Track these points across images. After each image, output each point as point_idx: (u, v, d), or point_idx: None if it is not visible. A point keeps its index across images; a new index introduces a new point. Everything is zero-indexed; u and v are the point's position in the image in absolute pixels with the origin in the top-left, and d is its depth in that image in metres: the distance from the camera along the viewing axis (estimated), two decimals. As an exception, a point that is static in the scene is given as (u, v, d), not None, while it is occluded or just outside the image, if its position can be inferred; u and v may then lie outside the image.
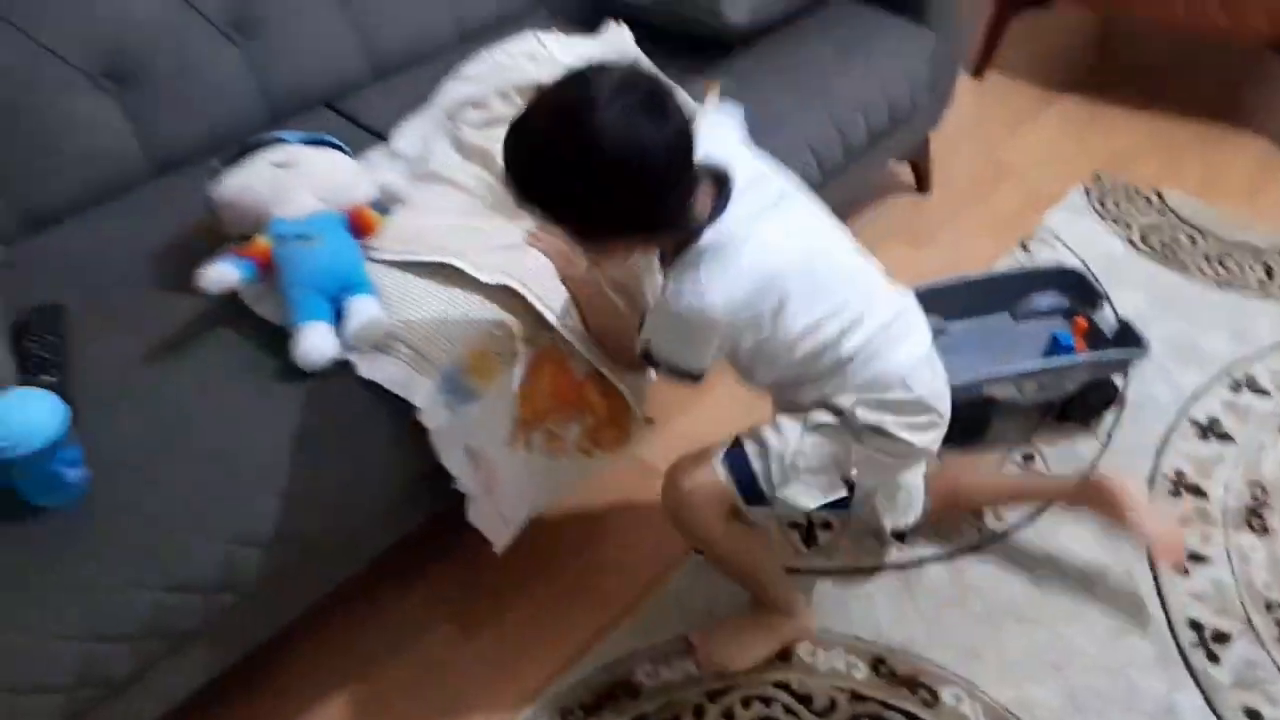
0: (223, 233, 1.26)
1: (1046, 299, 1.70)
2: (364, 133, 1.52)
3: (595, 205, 0.96)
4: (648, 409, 1.40)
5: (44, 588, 0.95)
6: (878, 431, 1.14)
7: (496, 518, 1.29)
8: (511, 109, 1.42)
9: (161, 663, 1.06)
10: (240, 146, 1.26)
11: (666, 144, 0.93)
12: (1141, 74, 2.55)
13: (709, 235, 1.03)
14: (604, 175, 0.93)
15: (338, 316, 1.15)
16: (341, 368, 1.14)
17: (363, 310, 1.14)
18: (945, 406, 1.20)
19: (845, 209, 2.02)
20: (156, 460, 1.05)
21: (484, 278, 1.21)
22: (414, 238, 1.25)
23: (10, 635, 0.92)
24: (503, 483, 1.28)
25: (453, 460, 1.21)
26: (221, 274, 1.13)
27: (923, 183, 2.15)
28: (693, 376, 1.12)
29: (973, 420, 1.56)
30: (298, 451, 1.09)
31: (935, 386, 1.19)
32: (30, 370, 1.10)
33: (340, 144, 1.32)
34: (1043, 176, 2.19)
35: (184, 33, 1.43)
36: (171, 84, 1.43)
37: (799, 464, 1.15)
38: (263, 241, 1.16)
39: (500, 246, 1.25)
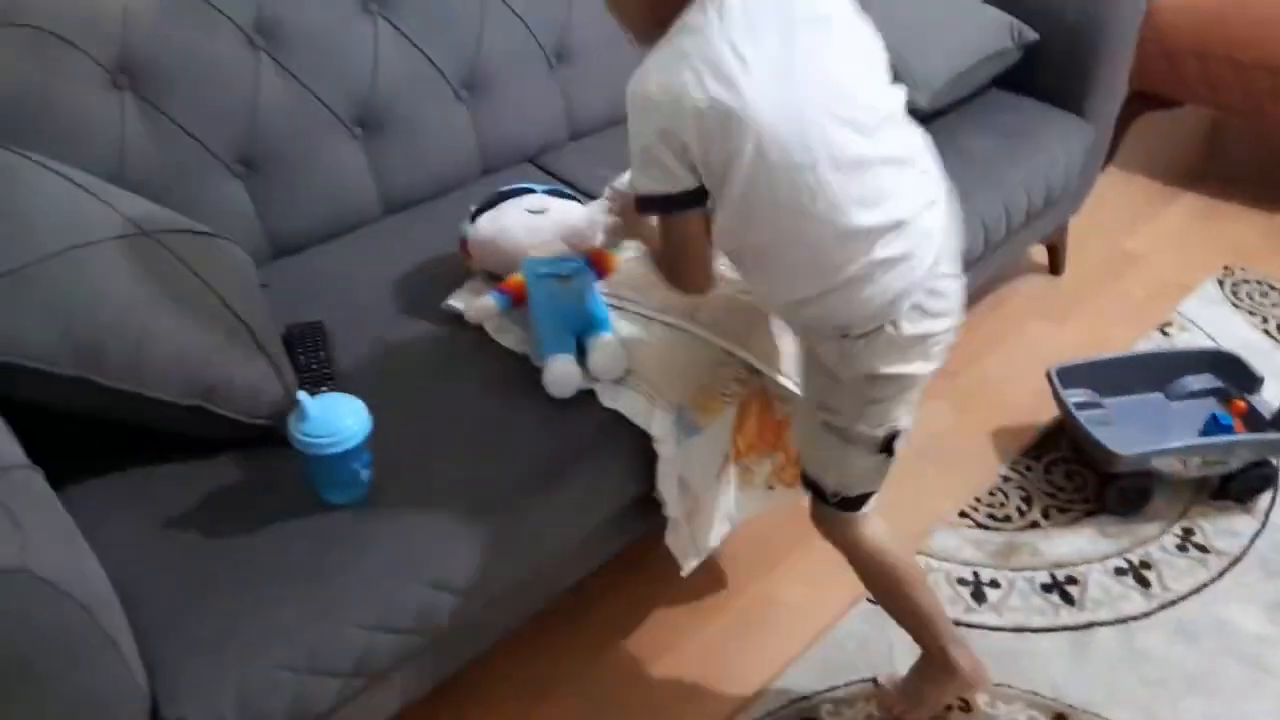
0: (469, 268, 1.37)
1: (1200, 380, 1.76)
2: (563, 186, 1.65)
3: None
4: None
5: (342, 579, 1.03)
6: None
7: (689, 543, 1.37)
8: None
9: (410, 662, 1.13)
10: (494, 195, 1.38)
11: None
12: (1259, 171, 2.64)
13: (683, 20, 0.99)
14: None
15: (579, 350, 1.25)
16: (579, 396, 1.23)
17: (607, 346, 1.24)
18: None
19: (987, 284, 2.12)
20: (421, 467, 1.14)
21: (703, 334, 1.30)
22: (647, 286, 1.35)
23: (312, 623, 1.00)
24: (703, 512, 1.36)
25: (668, 488, 1.29)
26: (486, 305, 1.24)
27: (1057, 265, 2.24)
28: (670, 202, 1.04)
29: (1135, 491, 1.62)
30: (544, 471, 1.18)
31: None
32: (306, 380, 1.20)
33: (575, 194, 1.43)
34: (1171, 266, 2.27)
35: (424, 89, 1.56)
36: (408, 133, 1.56)
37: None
38: (518, 278, 1.27)
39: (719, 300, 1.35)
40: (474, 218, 1.36)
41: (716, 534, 1.39)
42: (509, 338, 1.30)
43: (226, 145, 1.39)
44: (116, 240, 1.06)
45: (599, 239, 1.35)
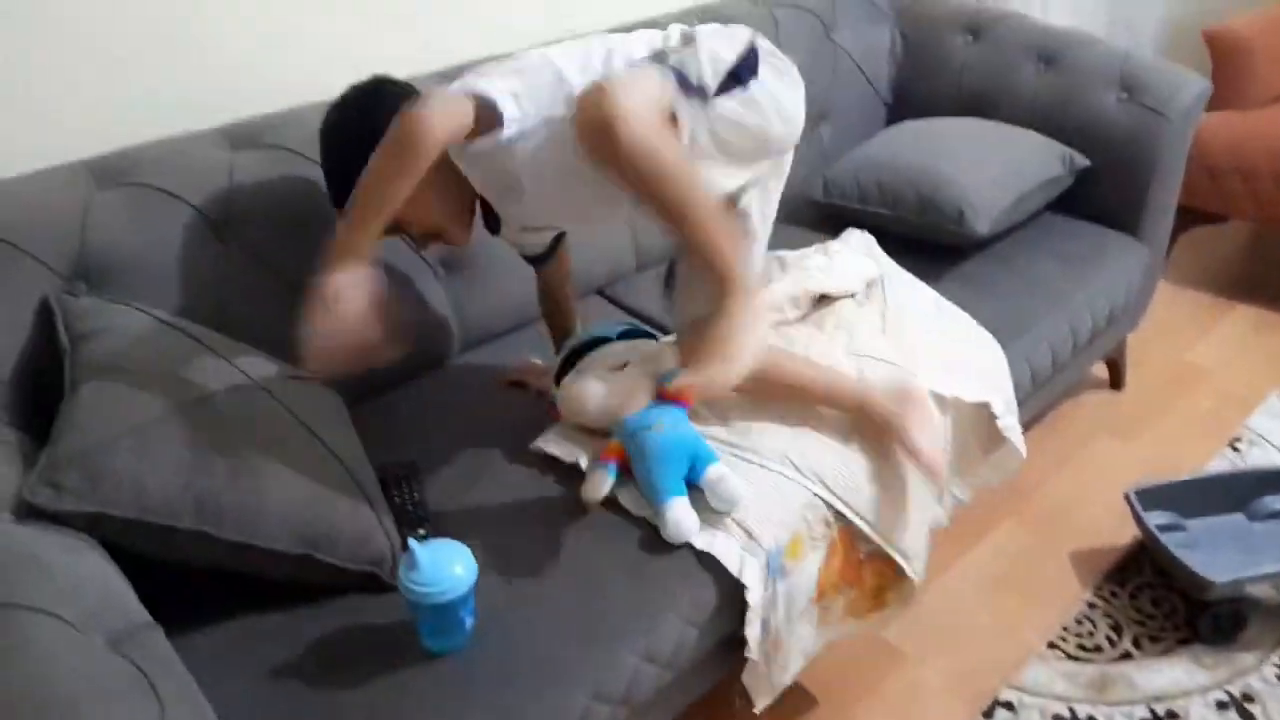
0: (561, 420, 1.39)
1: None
2: (632, 316, 1.69)
3: None
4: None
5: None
6: None
7: (765, 682, 1.33)
8: (797, 313, 1.57)
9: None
10: (569, 352, 1.40)
11: None
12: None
13: None
14: None
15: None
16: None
17: (722, 479, 1.24)
18: None
19: (1049, 403, 2.12)
20: (517, 613, 1.13)
21: (799, 479, 1.31)
22: (743, 429, 1.36)
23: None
24: (783, 651, 1.33)
25: (754, 631, 1.27)
26: (601, 483, 1.24)
27: (1118, 379, 2.24)
28: None
29: (1230, 618, 1.57)
30: (638, 615, 1.16)
31: None
32: (403, 523, 1.21)
33: (648, 330, 1.46)
34: (1233, 378, 2.26)
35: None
36: (486, 272, 1.61)
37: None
38: (616, 443, 1.28)
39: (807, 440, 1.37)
40: (558, 381, 1.38)
41: (793, 671, 1.36)
42: (626, 499, 1.29)
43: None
44: (228, 392, 1.09)
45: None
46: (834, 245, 1.70)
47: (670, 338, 1.45)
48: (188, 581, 1.09)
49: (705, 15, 1.98)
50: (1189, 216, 2.56)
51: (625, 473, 1.28)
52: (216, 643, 1.05)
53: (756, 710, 1.33)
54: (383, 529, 1.13)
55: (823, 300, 1.59)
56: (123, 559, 0.98)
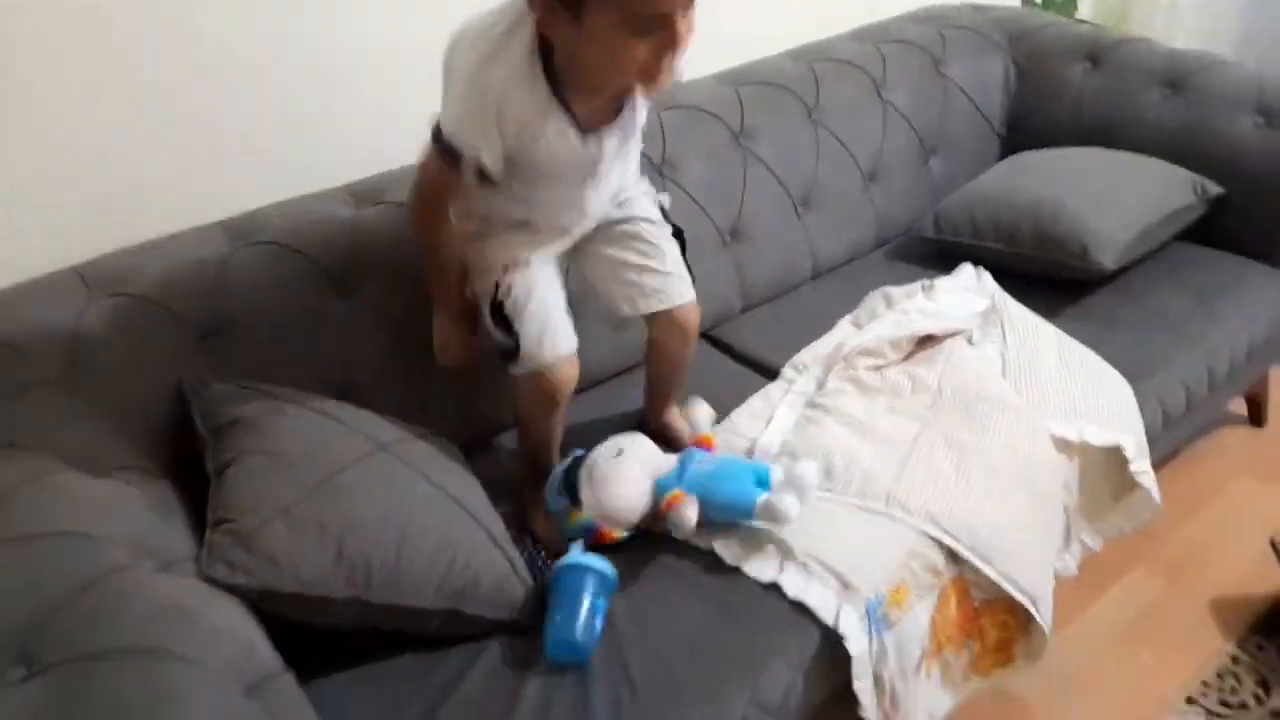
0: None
1: None
2: (739, 363, 1.68)
3: None
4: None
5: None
6: None
7: (890, 745, 1.29)
8: (899, 356, 1.53)
9: None
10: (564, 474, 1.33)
11: None
12: None
13: None
14: None
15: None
16: (770, 589, 1.21)
17: (789, 468, 1.26)
18: None
19: (1183, 442, 2.01)
20: (619, 657, 1.13)
21: (904, 518, 1.27)
22: (844, 468, 1.34)
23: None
24: (901, 712, 1.28)
25: (864, 687, 1.23)
26: (687, 514, 1.21)
27: (1259, 416, 2.10)
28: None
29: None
30: (742, 663, 1.15)
31: None
32: (533, 570, 1.22)
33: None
34: (1389, 416, 2.10)
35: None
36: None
37: None
38: (676, 492, 1.24)
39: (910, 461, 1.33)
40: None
41: (917, 731, 1.31)
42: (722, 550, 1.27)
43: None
44: (365, 459, 1.13)
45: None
46: (942, 282, 1.66)
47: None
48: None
49: (809, 54, 1.98)
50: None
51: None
52: (344, 683, 1.09)
53: None
54: (516, 575, 1.15)
55: (927, 341, 1.55)
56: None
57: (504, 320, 1.27)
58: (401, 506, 1.11)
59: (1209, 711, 1.50)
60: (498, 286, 1.27)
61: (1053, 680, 1.58)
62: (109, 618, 0.84)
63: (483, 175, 1.16)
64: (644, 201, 1.39)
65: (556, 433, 1.37)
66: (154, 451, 1.19)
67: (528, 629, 1.15)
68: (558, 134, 1.16)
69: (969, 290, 1.66)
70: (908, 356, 1.54)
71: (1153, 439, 1.58)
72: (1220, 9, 2.78)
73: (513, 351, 1.28)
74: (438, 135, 1.15)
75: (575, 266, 1.41)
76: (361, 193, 1.47)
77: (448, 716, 1.06)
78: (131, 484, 1.08)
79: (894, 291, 1.64)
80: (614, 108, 1.21)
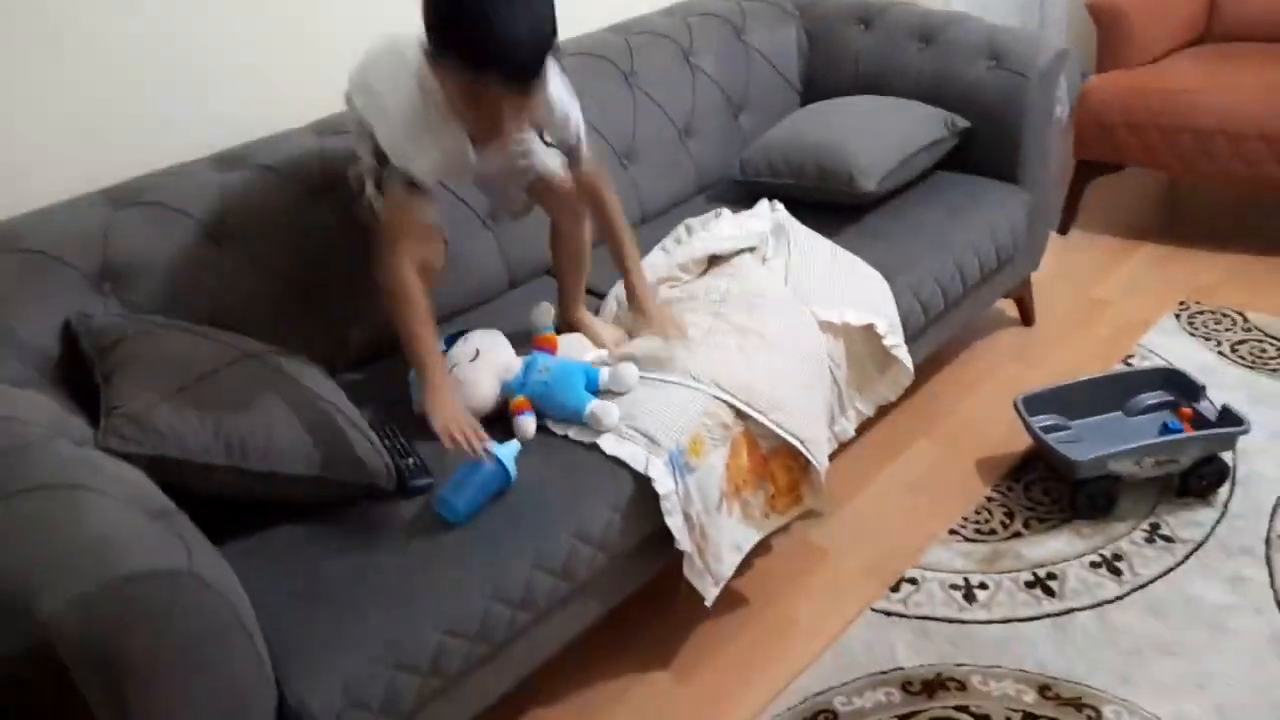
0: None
1: (1153, 396, 1.98)
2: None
3: None
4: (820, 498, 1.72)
5: (423, 593, 1.29)
6: None
7: (706, 575, 1.59)
8: (695, 274, 1.86)
9: (476, 669, 1.37)
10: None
11: None
12: (1211, 220, 2.91)
13: None
14: None
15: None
16: (591, 449, 1.51)
17: (609, 372, 1.57)
18: None
19: (963, 337, 2.38)
20: (485, 516, 1.41)
21: (697, 388, 1.58)
22: (646, 353, 1.65)
23: (399, 624, 1.26)
24: (711, 543, 1.59)
25: (675, 523, 1.54)
26: (526, 427, 1.52)
27: (1027, 317, 2.50)
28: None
29: (1101, 495, 1.83)
30: (569, 501, 1.44)
31: None
32: (394, 454, 1.48)
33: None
34: (1134, 308, 2.52)
35: (461, 226, 1.89)
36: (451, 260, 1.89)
37: None
38: (520, 398, 1.56)
39: (704, 346, 1.65)
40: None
41: (728, 564, 1.62)
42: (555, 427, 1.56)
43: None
44: (234, 364, 1.39)
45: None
46: (726, 212, 1.99)
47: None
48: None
49: (625, 29, 2.29)
50: (1090, 168, 2.84)
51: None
52: (238, 537, 1.34)
53: (707, 603, 1.60)
54: (375, 450, 1.41)
55: (719, 260, 1.87)
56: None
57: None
58: (268, 397, 1.37)
59: (965, 538, 1.86)
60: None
61: (846, 529, 1.93)
62: (32, 467, 1.08)
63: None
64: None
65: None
66: (55, 375, 1.42)
67: (385, 495, 1.42)
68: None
69: (756, 216, 1.99)
70: (704, 272, 1.86)
71: (919, 328, 1.95)
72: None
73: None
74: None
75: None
76: (229, 158, 1.72)
77: (320, 554, 1.33)
78: (43, 393, 1.31)
79: (692, 221, 1.96)
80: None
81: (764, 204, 2.08)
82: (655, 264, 1.92)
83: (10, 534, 1.01)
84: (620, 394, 1.55)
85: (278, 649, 1.17)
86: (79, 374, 1.42)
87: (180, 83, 1.74)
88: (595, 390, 1.56)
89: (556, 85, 1.47)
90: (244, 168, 1.70)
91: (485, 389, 1.56)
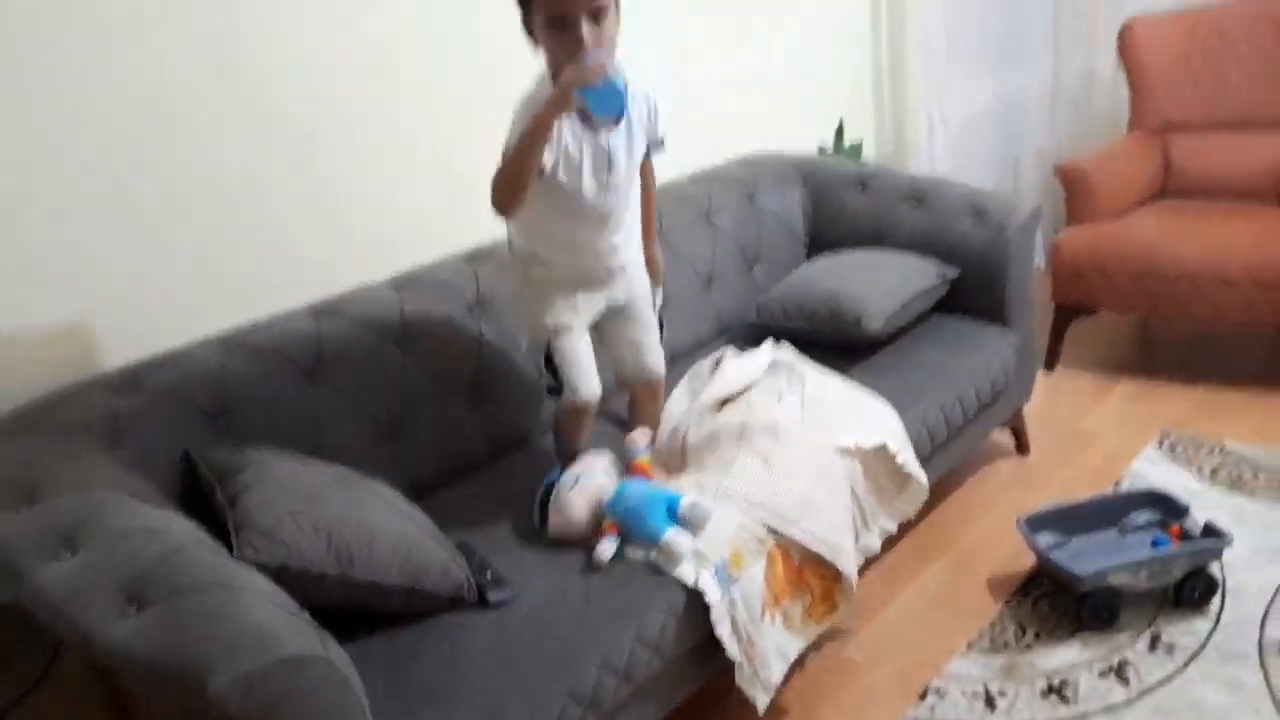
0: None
1: (1143, 516, 2.18)
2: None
3: None
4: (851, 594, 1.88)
5: (498, 690, 1.44)
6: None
7: (756, 682, 1.74)
8: (712, 418, 2.07)
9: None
10: (542, 494, 1.83)
11: None
12: (1182, 355, 3.19)
13: None
14: None
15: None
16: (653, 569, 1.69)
17: (689, 503, 1.73)
18: None
19: (967, 466, 2.59)
20: (545, 615, 1.58)
21: (730, 503, 1.78)
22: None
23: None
24: (759, 650, 1.74)
25: (724, 631, 1.70)
26: (607, 550, 1.69)
27: (1023, 446, 2.72)
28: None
29: (1105, 608, 1.99)
30: (631, 609, 1.61)
31: None
32: (473, 569, 1.65)
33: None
34: (1119, 438, 2.74)
35: (438, 395, 2.06)
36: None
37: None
38: (610, 520, 1.74)
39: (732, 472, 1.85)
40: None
41: (777, 671, 1.76)
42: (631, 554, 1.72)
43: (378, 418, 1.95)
44: (337, 487, 1.59)
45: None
46: (730, 349, 2.25)
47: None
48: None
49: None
50: (1068, 312, 3.12)
51: (623, 539, 1.73)
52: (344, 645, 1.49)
53: (759, 710, 1.72)
54: (455, 564, 1.59)
55: (729, 400, 2.10)
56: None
57: (552, 367, 1.88)
58: (369, 514, 1.56)
59: (983, 651, 2.01)
60: (549, 346, 1.87)
61: (874, 644, 2.07)
62: (188, 570, 1.25)
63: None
64: (639, 274, 1.98)
65: (585, 439, 1.97)
66: (176, 498, 1.61)
67: (467, 606, 1.59)
68: (569, 126, 1.70)
69: (759, 354, 2.23)
70: (720, 409, 2.08)
71: (927, 455, 2.16)
72: (966, 148, 3.62)
73: (557, 389, 1.88)
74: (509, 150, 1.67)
75: (597, 334, 1.96)
76: (323, 310, 1.96)
77: (408, 655, 1.48)
78: (170, 510, 1.50)
79: (702, 362, 2.23)
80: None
81: (768, 343, 2.32)
82: (675, 403, 2.15)
83: (180, 623, 1.17)
84: (698, 525, 1.71)
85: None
86: (195, 499, 1.61)
87: (275, 243, 2.01)
88: (675, 517, 1.73)
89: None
90: (337, 317, 1.94)
91: (578, 513, 1.76)
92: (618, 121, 1.76)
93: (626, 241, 1.90)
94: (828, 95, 3.34)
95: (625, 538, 1.73)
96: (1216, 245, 2.80)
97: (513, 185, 1.66)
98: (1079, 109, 3.85)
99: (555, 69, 1.67)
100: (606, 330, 1.98)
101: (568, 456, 1.93)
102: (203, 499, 1.61)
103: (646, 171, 1.95)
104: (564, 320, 1.86)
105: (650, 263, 2.03)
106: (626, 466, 1.89)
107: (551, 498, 1.79)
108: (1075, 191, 3.07)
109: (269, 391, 1.81)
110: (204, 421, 1.73)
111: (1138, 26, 3.33)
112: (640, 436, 1.96)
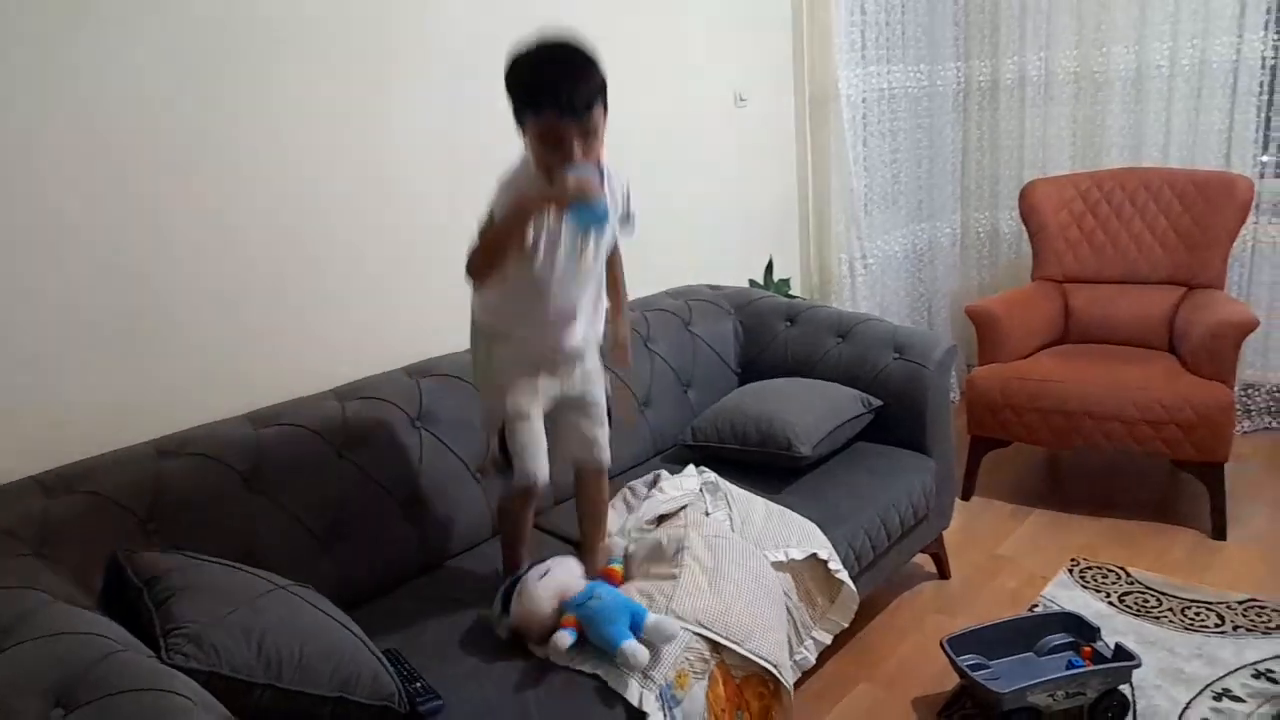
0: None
1: (1058, 638, 2.26)
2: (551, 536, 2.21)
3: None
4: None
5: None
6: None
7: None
8: (648, 533, 2.13)
9: None
10: (507, 585, 1.85)
11: None
12: (1089, 487, 3.36)
13: None
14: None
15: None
16: (583, 684, 1.69)
17: (655, 619, 1.75)
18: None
19: (891, 589, 2.66)
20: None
21: (677, 621, 1.80)
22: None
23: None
24: (706, 770, 1.74)
25: (671, 750, 1.70)
26: (564, 642, 1.70)
27: (944, 571, 2.81)
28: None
29: (1024, 725, 2.05)
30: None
31: None
32: (404, 679, 1.63)
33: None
34: (1033, 564, 2.86)
35: (374, 505, 2.08)
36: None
37: None
38: (570, 615, 1.76)
39: (679, 590, 1.88)
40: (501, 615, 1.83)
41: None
42: (581, 662, 1.73)
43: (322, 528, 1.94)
44: (267, 594, 1.57)
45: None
46: (664, 473, 2.33)
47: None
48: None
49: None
50: (983, 443, 3.29)
51: (582, 637, 1.74)
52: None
53: None
54: (386, 673, 1.57)
55: (665, 518, 2.16)
56: None
57: (505, 450, 1.89)
58: (300, 621, 1.54)
59: (910, 771, 2.04)
60: (503, 427, 1.87)
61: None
62: (119, 674, 1.22)
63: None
64: (599, 380, 2.01)
65: (529, 523, 2.02)
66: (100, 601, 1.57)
67: (398, 717, 1.56)
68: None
69: (688, 476, 2.32)
70: (658, 524, 2.13)
71: (855, 575, 2.22)
72: (885, 287, 3.86)
73: (508, 470, 1.89)
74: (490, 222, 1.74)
75: (549, 420, 1.96)
76: (262, 417, 1.97)
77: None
78: (98, 614, 1.46)
79: (635, 483, 2.30)
80: None
81: (691, 468, 2.40)
82: (612, 521, 2.20)
83: (109, 728, 1.14)
84: (659, 644, 1.73)
85: None
86: (122, 602, 1.58)
87: (213, 352, 2.04)
88: (638, 631, 1.73)
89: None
90: (275, 424, 1.95)
91: (543, 605, 1.78)
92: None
93: (588, 329, 1.93)
94: (756, 236, 3.56)
95: (584, 636, 1.74)
96: (1113, 385, 3.02)
97: (492, 259, 1.74)
98: (985, 259, 4.17)
99: (542, 164, 1.73)
100: (560, 418, 1.97)
101: (510, 538, 1.98)
102: (129, 603, 1.57)
103: (615, 261, 2.01)
104: (524, 406, 1.87)
105: (619, 345, 2.06)
106: (601, 572, 1.92)
107: (517, 587, 1.80)
108: (986, 331, 3.29)
109: (204, 497, 1.80)
110: (135, 525, 1.71)
111: (1039, 187, 3.66)
112: (615, 545, 2.00)
